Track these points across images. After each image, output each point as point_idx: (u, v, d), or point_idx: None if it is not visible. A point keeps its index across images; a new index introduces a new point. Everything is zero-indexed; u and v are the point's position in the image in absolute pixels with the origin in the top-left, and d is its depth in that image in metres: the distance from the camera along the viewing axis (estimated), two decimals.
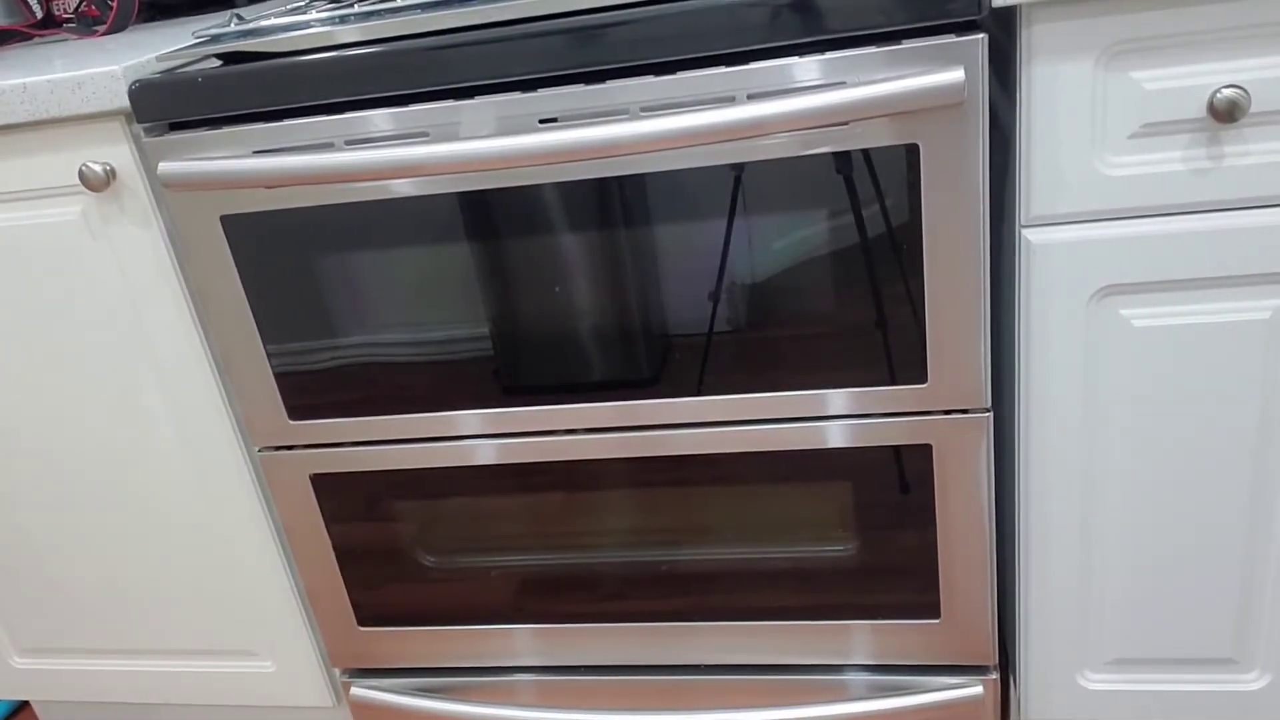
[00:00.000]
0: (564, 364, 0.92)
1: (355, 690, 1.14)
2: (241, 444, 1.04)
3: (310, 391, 0.97)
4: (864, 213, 0.82)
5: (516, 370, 0.93)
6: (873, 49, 0.76)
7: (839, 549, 0.98)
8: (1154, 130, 0.77)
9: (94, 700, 1.27)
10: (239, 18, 0.90)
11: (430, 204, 0.86)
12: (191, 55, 0.89)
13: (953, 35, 0.75)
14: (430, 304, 0.91)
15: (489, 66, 0.81)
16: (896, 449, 0.91)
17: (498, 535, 1.03)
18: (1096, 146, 0.79)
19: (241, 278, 0.92)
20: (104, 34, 1.18)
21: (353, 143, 0.85)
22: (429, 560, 1.06)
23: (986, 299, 0.84)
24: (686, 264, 0.86)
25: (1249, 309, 0.82)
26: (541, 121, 0.82)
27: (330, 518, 1.04)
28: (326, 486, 1.02)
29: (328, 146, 0.85)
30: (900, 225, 0.82)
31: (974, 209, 0.80)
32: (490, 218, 0.87)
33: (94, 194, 0.93)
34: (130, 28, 1.22)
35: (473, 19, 0.81)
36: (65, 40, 1.19)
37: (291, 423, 0.99)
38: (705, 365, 0.90)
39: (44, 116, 0.88)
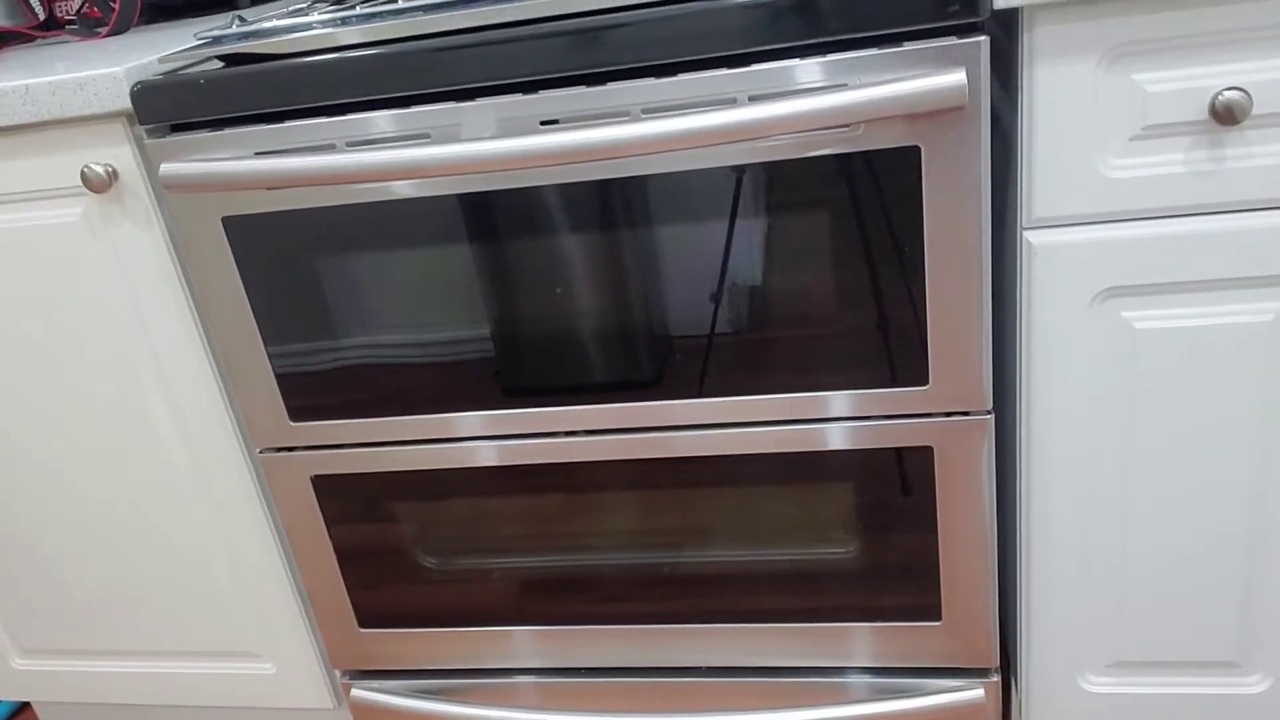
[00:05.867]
0: (565, 366, 0.92)
1: (356, 692, 1.14)
2: (242, 445, 1.04)
3: (311, 393, 0.97)
4: (865, 215, 0.82)
5: (518, 372, 0.93)
6: (874, 51, 0.76)
7: (840, 551, 0.98)
8: (1156, 132, 0.77)
9: (94, 701, 1.27)
10: (241, 19, 0.90)
11: (432, 206, 0.86)
12: (193, 57, 0.89)
13: (954, 37, 0.75)
14: (432, 305, 0.91)
15: (491, 68, 0.81)
16: (898, 451, 0.91)
17: (499, 537, 1.03)
18: (1098, 148, 0.79)
19: (243, 279, 0.92)
20: (106, 35, 1.18)
21: (354, 144, 0.85)
22: (430, 562, 1.06)
23: (988, 301, 0.84)
24: (688, 265, 0.86)
25: (1251, 311, 0.82)
26: (543, 123, 0.82)
27: (331, 519, 1.04)
28: (328, 488, 1.02)
29: (329, 148, 0.85)
30: (902, 227, 0.82)
31: (975, 211, 0.80)
32: (492, 219, 0.87)
33: (96, 195, 0.93)
34: (132, 29, 1.23)
35: (474, 21, 0.81)
36: (67, 42, 1.19)
37: (293, 424, 0.99)
38: (707, 367, 0.90)
39: (46, 118, 0.88)
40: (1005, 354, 0.93)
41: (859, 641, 1.02)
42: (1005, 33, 0.82)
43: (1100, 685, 1.01)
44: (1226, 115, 0.74)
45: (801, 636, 1.03)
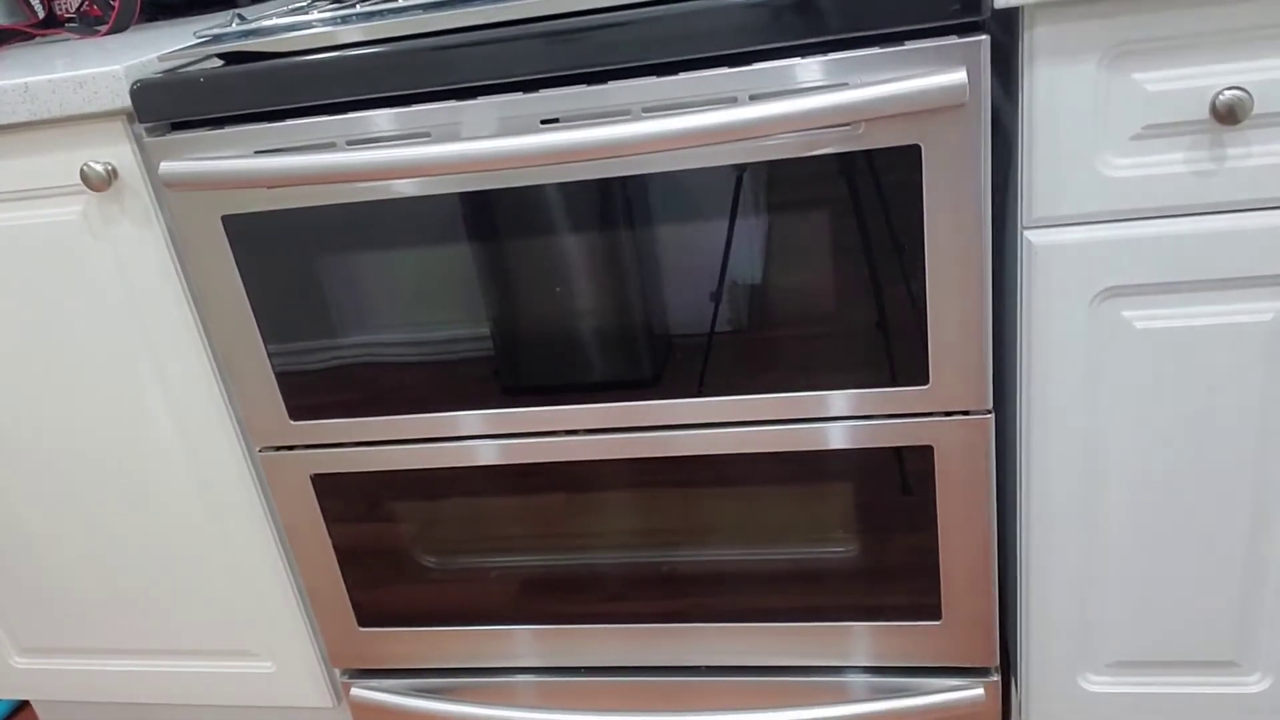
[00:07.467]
0: (565, 364, 0.92)
1: (355, 691, 1.14)
2: (242, 444, 1.04)
3: (311, 391, 0.97)
4: (866, 214, 0.82)
5: (518, 371, 0.93)
6: (875, 50, 0.76)
7: (840, 550, 0.98)
8: (1156, 132, 0.77)
9: (94, 700, 1.26)
10: (241, 17, 0.90)
11: (432, 204, 0.86)
12: (193, 55, 0.89)
13: (955, 36, 0.75)
14: (431, 304, 0.91)
15: (491, 67, 0.81)
16: (898, 450, 0.91)
17: (498, 536, 1.03)
18: (1099, 148, 0.79)
19: (243, 278, 0.92)
20: (106, 34, 1.18)
21: (354, 143, 0.85)
22: (430, 561, 1.06)
23: (988, 300, 0.84)
24: (688, 264, 0.86)
25: (1251, 311, 0.82)
26: (543, 122, 0.82)
27: (331, 518, 1.04)
28: (327, 487, 1.02)
29: (329, 146, 0.85)
30: (902, 226, 0.82)
31: (976, 210, 0.80)
32: (491, 218, 0.87)
33: (95, 194, 0.93)
34: (132, 27, 1.22)
35: (475, 19, 0.81)
36: (67, 40, 1.19)
37: (292, 423, 0.99)
38: (706, 366, 0.90)
39: (46, 116, 0.88)
40: (1005, 354, 0.93)
41: (859, 641, 1.02)
42: (1006, 32, 0.82)
43: (1100, 685, 1.01)
44: (1227, 115, 0.74)
45: (801, 636, 1.03)
